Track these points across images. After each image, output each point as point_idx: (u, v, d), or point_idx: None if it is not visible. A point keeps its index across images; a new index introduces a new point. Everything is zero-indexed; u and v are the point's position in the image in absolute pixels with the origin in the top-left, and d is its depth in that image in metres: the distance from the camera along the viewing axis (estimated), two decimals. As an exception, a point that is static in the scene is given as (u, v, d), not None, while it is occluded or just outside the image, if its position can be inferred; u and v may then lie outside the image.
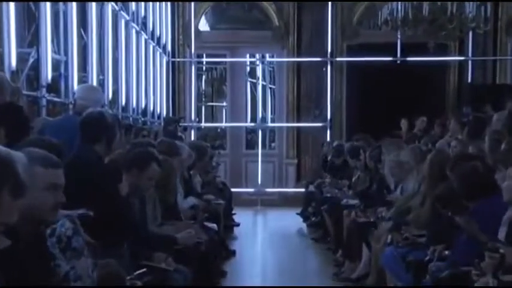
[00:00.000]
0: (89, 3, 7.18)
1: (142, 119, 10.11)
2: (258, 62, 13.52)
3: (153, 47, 11.26)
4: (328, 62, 12.90)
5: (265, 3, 12.88)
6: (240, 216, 10.47)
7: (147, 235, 4.18)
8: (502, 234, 3.55)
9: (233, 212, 10.29)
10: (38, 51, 5.79)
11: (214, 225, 6.09)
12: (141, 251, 3.93)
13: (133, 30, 9.53)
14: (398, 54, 12.62)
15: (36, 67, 5.81)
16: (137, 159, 4.06)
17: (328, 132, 12.93)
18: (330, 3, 12.72)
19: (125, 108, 8.99)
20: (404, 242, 4.79)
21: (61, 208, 2.39)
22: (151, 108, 11.18)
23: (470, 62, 12.72)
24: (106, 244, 3.18)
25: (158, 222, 4.73)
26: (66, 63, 6.46)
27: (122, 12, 8.70)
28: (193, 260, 4.50)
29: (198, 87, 14.42)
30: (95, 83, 7.15)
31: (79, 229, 2.58)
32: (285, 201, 12.72)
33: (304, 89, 13.03)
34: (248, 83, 14.13)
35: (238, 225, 9.73)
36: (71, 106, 6.01)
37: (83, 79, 7.00)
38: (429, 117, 10.00)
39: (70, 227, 2.53)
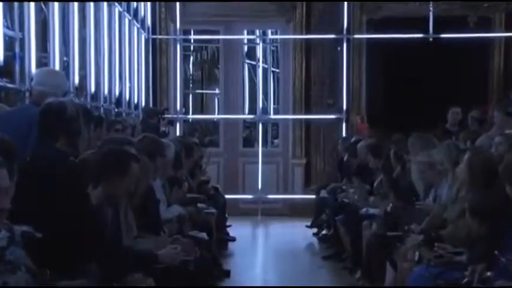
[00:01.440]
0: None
1: (116, 109, 10.11)
2: (258, 40, 13.52)
3: (129, 21, 11.26)
4: (344, 40, 12.90)
5: (266, -33, 12.89)
6: (236, 229, 10.45)
7: (121, 252, 4.18)
8: None
9: (228, 223, 10.30)
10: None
11: (204, 234, 6.12)
12: (113, 272, 3.93)
13: (105, 2, 9.53)
14: (431, 31, 12.61)
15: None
16: (116, 163, 4.08)
17: (344, 126, 12.94)
18: (346, -33, 12.76)
19: (94, 97, 9.00)
20: (437, 260, 4.79)
21: (7, 218, 2.38)
22: (127, 96, 11.19)
23: (519, 39, 12.74)
24: (67, 265, 3.18)
25: (134, 234, 4.73)
26: (22, 41, 6.45)
27: (90, -21, 8.71)
28: (179, 282, 4.50)
29: (185, 70, 14.44)
30: (57, 66, 7.14)
31: (16, 240, 2.57)
32: (291, 211, 12.73)
33: (314, 73, 13.03)
34: (246, 66, 14.13)
35: (233, 239, 9.75)
36: (27, 94, 6.00)
37: (42, 61, 6.99)
38: (468, 106, 10.01)
39: (5, 236, 2.52)
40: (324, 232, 10.22)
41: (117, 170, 4.08)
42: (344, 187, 9.54)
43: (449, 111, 9.92)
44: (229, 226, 10.40)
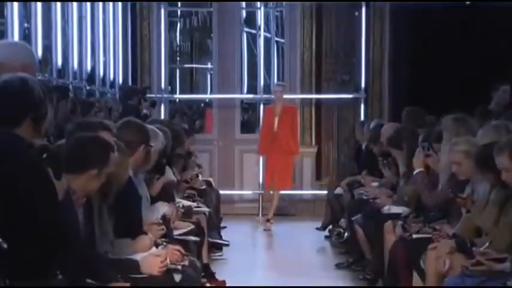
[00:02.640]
0: None
1: (88, 87, 10.10)
2: (258, 4, 13.49)
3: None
4: (363, 4, 12.88)
5: None
6: (233, 231, 10.46)
7: (94, 259, 4.17)
8: None
9: (222, 225, 10.30)
10: None
11: (194, 238, 6.15)
12: (83, 282, 3.93)
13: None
14: (467, -7, 12.60)
15: None
16: (90, 154, 4.07)
17: (363, 107, 12.93)
18: None
19: (61, 72, 8.98)
20: (474, 268, 4.79)
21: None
22: (101, 72, 11.18)
23: None
24: (31, 275, 3.18)
25: (110, 238, 4.73)
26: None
27: None
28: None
29: (171, 41, 14.41)
30: (16, 36, 7.11)
31: None
32: (298, 210, 12.74)
33: (327, 44, 13.01)
34: (244, 35, 14.10)
35: (228, 244, 9.75)
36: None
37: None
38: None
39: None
40: (338, 235, 10.21)
41: (91, 162, 4.07)
42: (362, 181, 9.53)
43: (499, 89, 9.95)
44: (224, 228, 10.39)
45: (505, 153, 4.94)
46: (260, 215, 12.68)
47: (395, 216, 7.06)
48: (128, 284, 4.10)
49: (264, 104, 13.01)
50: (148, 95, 11.01)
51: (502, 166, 4.98)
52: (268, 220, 11.83)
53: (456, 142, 6.07)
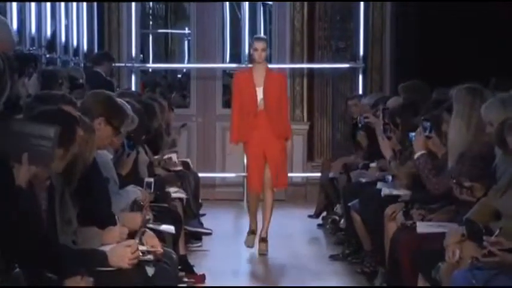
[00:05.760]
0: None
1: (48, 55, 10.07)
2: (242, -39, 13.44)
3: None
4: (361, -40, 12.88)
5: None
6: (214, 218, 10.47)
7: (55, 250, 4.17)
8: None
9: (201, 212, 10.30)
10: None
11: (171, 228, 6.16)
12: (45, 276, 3.94)
13: None
14: None
15: None
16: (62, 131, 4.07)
17: (361, 78, 12.95)
18: None
19: (18, 39, 8.92)
20: (486, 259, 4.80)
21: None
22: (63, 38, 11.11)
23: None
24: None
25: (74, 228, 4.72)
26: None
27: None
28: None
29: (143, 3, 14.34)
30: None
31: None
32: (288, 194, 12.76)
33: (320, 6, 13.00)
34: (226, -3, 14.07)
35: (209, 233, 9.77)
36: None
37: None
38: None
39: None
40: (332, 223, 10.24)
41: (63, 138, 4.05)
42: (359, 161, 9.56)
43: None
44: (204, 215, 10.40)
45: None
46: (245, 200, 12.68)
47: (395, 200, 7.07)
48: (91, 279, 4.10)
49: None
50: (116, 64, 11.02)
51: None
52: (263, 239, 9.38)
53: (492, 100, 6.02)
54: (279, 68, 12.54)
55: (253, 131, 9.32)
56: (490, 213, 5.39)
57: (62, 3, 11.06)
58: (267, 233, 9.38)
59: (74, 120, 4.35)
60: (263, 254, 9.24)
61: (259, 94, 9.35)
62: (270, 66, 9.94)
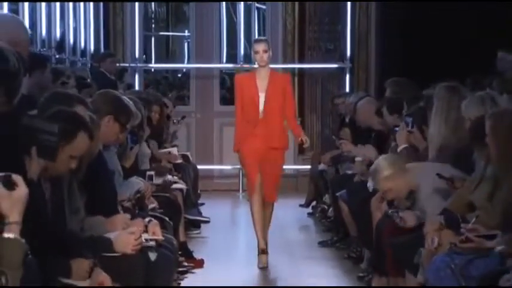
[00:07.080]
0: None
1: (57, 55, 10.06)
2: (238, -33, 13.41)
3: None
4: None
5: None
6: (211, 208, 10.47)
7: (65, 238, 4.18)
8: None
9: (200, 201, 10.31)
10: None
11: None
12: (55, 263, 3.95)
13: None
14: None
15: None
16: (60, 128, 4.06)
17: (348, 77, 12.93)
18: None
19: (30, 40, 8.90)
20: (463, 245, 4.82)
21: None
22: (71, 39, 11.10)
23: None
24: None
25: (82, 216, 4.73)
26: None
27: None
28: (137, 275, 4.52)
29: (145, 7, 14.31)
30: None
31: None
32: (280, 185, 12.73)
33: (310, 9, 12.97)
34: (223, 1, 14.03)
35: (207, 221, 9.78)
36: None
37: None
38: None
39: None
40: (321, 212, 10.25)
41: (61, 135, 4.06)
42: (346, 154, 9.54)
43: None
44: (202, 205, 10.41)
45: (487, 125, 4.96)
46: (240, 190, 12.69)
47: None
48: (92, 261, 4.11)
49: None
50: (120, 64, 11.01)
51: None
52: (263, 251, 8.19)
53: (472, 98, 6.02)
54: (273, 69, 12.49)
55: (251, 139, 8.12)
56: (466, 204, 5.41)
57: (71, 7, 11.04)
58: (267, 244, 8.25)
59: (78, 121, 4.29)
60: (263, 267, 8.07)
61: (261, 101, 8.15)
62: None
